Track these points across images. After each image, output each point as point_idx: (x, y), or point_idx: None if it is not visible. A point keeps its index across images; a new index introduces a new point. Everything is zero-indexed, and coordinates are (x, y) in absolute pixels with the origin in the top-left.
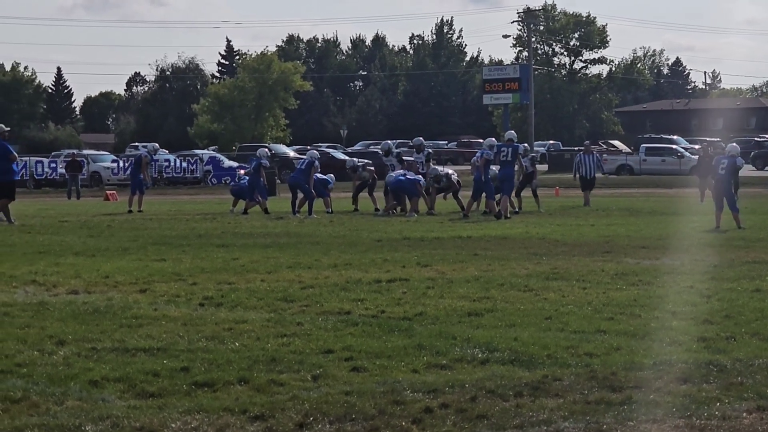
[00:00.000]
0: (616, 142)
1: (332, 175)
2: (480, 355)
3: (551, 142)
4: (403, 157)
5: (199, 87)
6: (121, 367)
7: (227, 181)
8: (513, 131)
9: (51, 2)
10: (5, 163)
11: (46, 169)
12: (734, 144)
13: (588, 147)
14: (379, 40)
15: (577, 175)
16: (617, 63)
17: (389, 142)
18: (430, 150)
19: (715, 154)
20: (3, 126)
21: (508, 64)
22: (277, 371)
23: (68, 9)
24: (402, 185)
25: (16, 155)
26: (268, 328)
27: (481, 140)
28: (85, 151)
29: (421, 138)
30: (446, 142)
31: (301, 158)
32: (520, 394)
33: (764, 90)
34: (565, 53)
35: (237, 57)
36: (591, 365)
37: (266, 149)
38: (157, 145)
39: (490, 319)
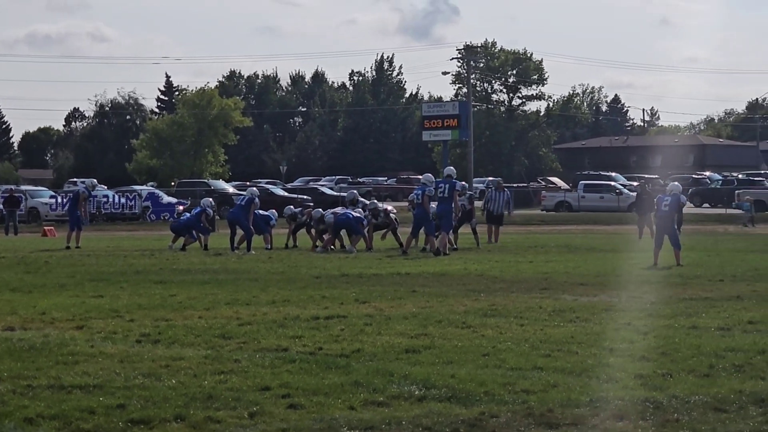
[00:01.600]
0: (555, 179)
1: (274, 211)
2: (417, 392)
3: (490, 178)
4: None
5: (138, 123)
6: (56, 404)
7: (166, 217)
8: (452, 168)
9: None
10: None
11: None
12: (676, 183)
13: (499, 184)
14: (318, 77)
15: (485, 211)
16: (556, 100)
17: (354, 191)
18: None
19: (654, 191)
20: None
21: (447, 101)
22: (214, 408)
23: (10, 44)
24: (346, 222)
25: None
26: (205, 365)
27: (420, 176)
28: (23, 187)
29: (354, 191)
30: (386, 178)
31: (241, 194)
32: (457, 431)
33: (702, 127)
34: (504, 90)
35: (176, 93)
36: (528, 402)
37: (210, 200)
38: (95, 181)
39: (428, 356)
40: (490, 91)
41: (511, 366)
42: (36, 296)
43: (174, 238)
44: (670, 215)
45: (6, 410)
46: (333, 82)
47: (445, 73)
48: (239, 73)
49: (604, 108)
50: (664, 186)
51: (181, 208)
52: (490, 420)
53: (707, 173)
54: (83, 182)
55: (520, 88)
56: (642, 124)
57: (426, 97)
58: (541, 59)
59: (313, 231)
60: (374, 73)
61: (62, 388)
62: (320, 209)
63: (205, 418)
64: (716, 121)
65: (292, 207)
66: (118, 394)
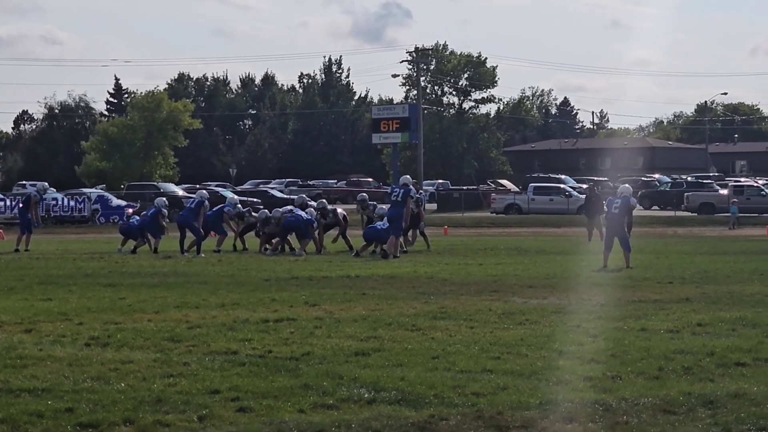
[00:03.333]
0: (505, 181)
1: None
2: (367, 395)
3: (440, 181)
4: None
5: (87, 125)
6: (4, 408)
7: (115, 220)
8: (408, 176)
9: None
10: None
11: None
12: (627, 185)
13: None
14: (268, 79)
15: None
16: (506, 102)
17: (304, 196)
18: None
19: (603, 194)
20: None
21: (397, 104)
22: (163, 412)
23: None
24: (295, 224)
25: None
26: (154, 369)
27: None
28: None
29: (304, 196)
30: (336, 180)
31: (191, 197)
32: None
33: (651, 130)
34: (454, 93)
35: (126, 95)
36: (478, 405)
37: (164, 199)
38: (46, 184)
39: (378, 359)
40: (440, 94)
41: (460, 369)
42: None
43: (123, 241)
44: (620, 218)
45: None
46: (283, 85)
47: (395, 76)
48: (188, 75)
49: (553, 111)
50: (614, 188)
51: (130, 210)
52: (440, 423)
53: (656, 176)
54: (34, 185)
55: (471, 91)
56: (591, 126)
57: (377, 100)
58: (496, 65)
59: (261, 233)
60: (323, 76)
61: (10, 392)
62: (266, 210)
63: (154, 422)
64: (665, 123)
65: (239, 207)
66: (66, 397)
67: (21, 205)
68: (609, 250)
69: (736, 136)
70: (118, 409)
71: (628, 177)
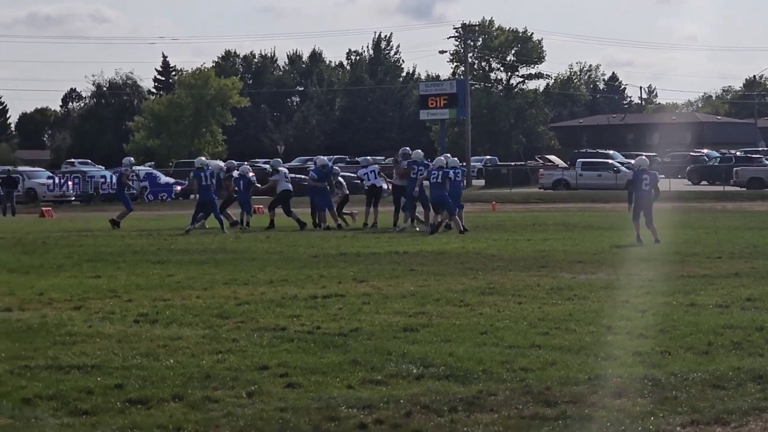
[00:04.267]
0: (553, 157)
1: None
2: (415, 371)
3: (488, 157)
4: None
5: (135, 103)
6: (54, 384)
7: (164, 198)
8: (441, 158)
9: None
10: None
11: None
12: (643, 157)
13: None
14: (316, 56)
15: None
16: (554, 78)
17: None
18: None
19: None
20: None
21: (444, 80)
22: (211, 388)
23: (9, 25)
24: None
25: None
26: (203, 345)
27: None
28: (21, 168)
29: (323, 158)
30: (383, 157)
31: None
32: (455, 409)
33: (700, 105)
34: (502, 69)
35: (173, 73)
36: (526, 380)
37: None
38: (132, 159)
39: (426, 335)
40: (488, 70)
41: (509, 344)
42: (33, 277)
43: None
44: (650, 193)
45: (4, 391)
46: (330, 62)
47: (442, 52)
48: (235, 52)
49: (601, 86)
50: (662, 163)
51: (179, 188)
52: (488, 398)
53: (705, 151)
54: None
55: (518, 67)
56: (640, 101)
57: (424, 76)
58: (541, 39)
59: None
60: (371, 52)
61: (60, 369)
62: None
63: (202, 398)
64: (714, 98)
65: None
66: (116, 374)
67: (117, 183)
68: (638, 220)
69: None
70: (167, 386)
71: (676, 152)
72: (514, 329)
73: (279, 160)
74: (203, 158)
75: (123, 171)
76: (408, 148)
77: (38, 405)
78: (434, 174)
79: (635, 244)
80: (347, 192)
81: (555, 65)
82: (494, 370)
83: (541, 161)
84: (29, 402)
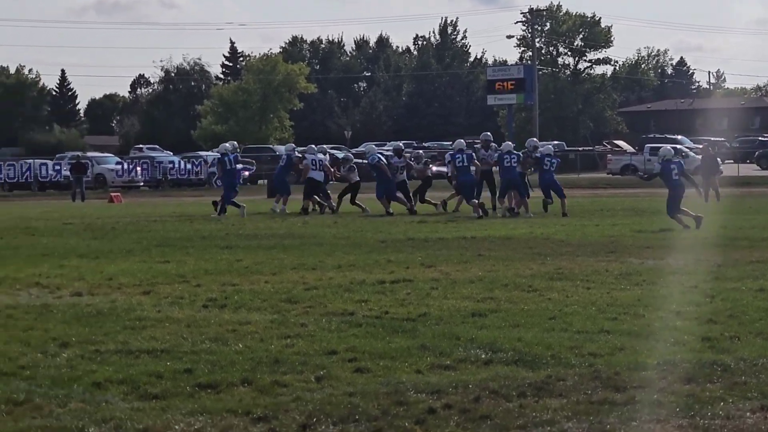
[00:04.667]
0: (621, 142)
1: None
2: (483, 356)
3: (555, 142)
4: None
5: (203, 89)
6: (124, 368)
7: None
8: (462, 141)
9: (60, 4)
10: None
11: (50, 172)
12: (667, 146)
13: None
14: (383, 41)
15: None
16: (621, 63)
17: (400, 143)
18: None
19: (718, 154)
20: None
21: (512, 65)
22: (280, 372)
23: (78, 11)
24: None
25: None
26: (271, 330)
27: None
28: (90, 154)
29: (400, 143)
30: (451, 142)
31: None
32: (523, 394)
33: None
34: (569, 53)
35: (241, 59)
36: (595, 365)
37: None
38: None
39: (494, 320)
40: (555, 55)
41: (577, 329)
42: (103, 262)
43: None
44: (680, 182)
45: (75, 375)
46: (397, 47)
47: (509, 37)
48: (302, 38)
49: (669, 71)
50: (730, 148)
51: (246, 173)
52: (557, 383)
53: None
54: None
55: (586, 52)
56: (708, 86)
57: (491, 61)
58: (611, 25)
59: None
60: (438, 38)
61: (130, 353)
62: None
63: (271, 382)
64: None
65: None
66: (185, 358)
67: (281, 169)
68: (677, 212)
69: None
70: (236, 370)
71: (744, 137)
72: (583, 314)
73: (312, 146)
74: (228, 144)
75: (294, 156)
76: (489, 134)
77: (109, 389)
78: (458, 158)
79: (706, 229)
80: (358, 179)
81: (623, 50)
82: (563, 355)
83: (609, 146)
84: (100, 386)
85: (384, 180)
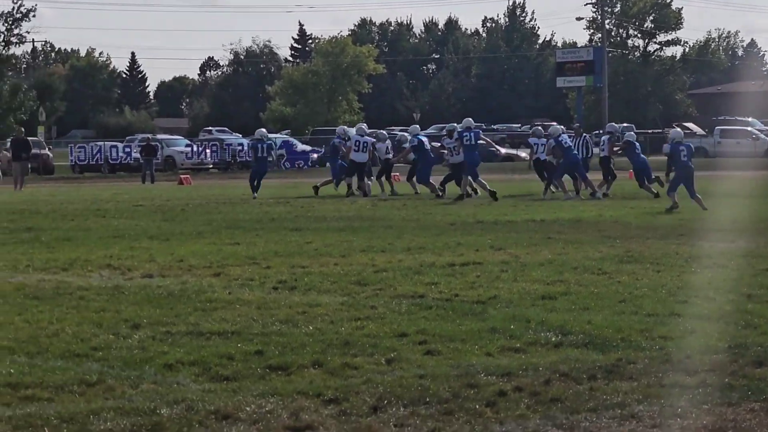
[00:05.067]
0: (690, 125)
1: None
2: (554, 339)
3: (624, 124)
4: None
5: (272, 71)
6: (195, 350)
7: (300, 165)
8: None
9: None
10: None
11: (120, 154)
12: (677, 129)
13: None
14: (451, 23)
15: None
16: (691, 45)
17: (455, 124)
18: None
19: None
20: None
21: (581, 47)
22: (351, 354)
23: None
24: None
25: None
26: (341, 312)
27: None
28: (159, 136)
29: (454, 124)
30: (520, 125)
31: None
32: (594, 377)
33: None
34: (639, 35)
35: (310, 41)
36: (666, 348)
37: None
38: (264, 131)
39: (564, 303)
40: (625, 37)
41: (648, 312)
42: (173, 244)
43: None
44: (689, 164)
45: (146, 356)
46: (466, 29)
47: (579, 19)
48: (371, 20)
49: (740, 53)
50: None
51: (315, 156)
52: (627, 366)
53: None
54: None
55: (656, 34)
56: None
57: (561, 44)
58: (681, 7)
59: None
60: (507, 20)
61: (201, 335)
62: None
63: (342, 365)
64: None
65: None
66: (256, 340)
67: (329, 153)
68: (674, 192)
69: None
70: (307, 352)
71: None
72: (653, 297)
73: (361, 126)
74: (264, 130)
75: (337, 142)
76: (454, 124)
77: (180, 370)
78: (467, 136)
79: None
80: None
81: (693, 32)
82: (633, 338)
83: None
84: (171, 367)
85: (425, 162)
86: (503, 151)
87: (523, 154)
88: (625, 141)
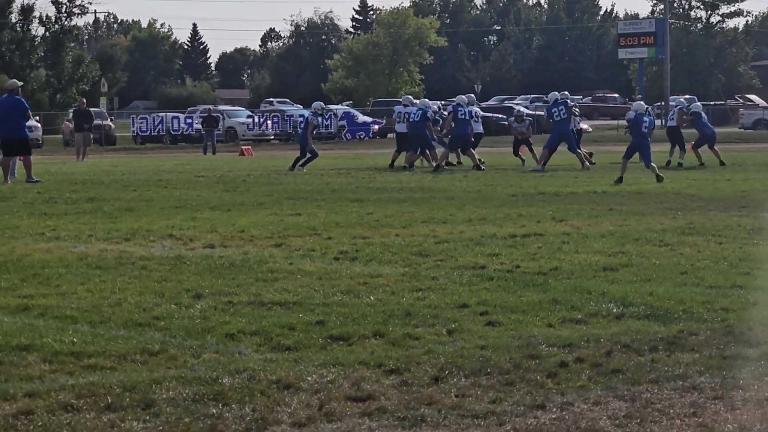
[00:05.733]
0: (753, 97)
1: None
2: (615, 310)
3: (686, 96)
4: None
5: (333, 42)
6: (257, 320)
7: (361, 136)
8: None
9: None
10: (20, 120)
11: (182, 125)
12: (640, 102)
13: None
14: None
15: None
16: (755, 16)
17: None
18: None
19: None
20: (16, 81)
21: (643, 18)
22: (412, 325)
23: None
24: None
25: (29, 112)
26: (403, 283)
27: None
28: (221, 107)
29: (472, 95)
30: (581, 96)
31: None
32: (655, 348)
33: None
34: (702, 7)
35: (371, 12)
36: (727, 320)
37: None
38: (321, 104)
39: (626, 274)
40: (687, 8)
41: (709, 284)
42: (235, 214)
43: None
44: (647, 136)
45: (208, 326)
46: (527, 1)
47: None
48: None
49: None
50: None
51: (376, 127)
52: (689, 338)
53: None
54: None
55: (718, 5)
56: None
57: (622, 15)
58: None
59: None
60: None
61: (262, 305)
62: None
63: (403, 335)
64: None
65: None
66: (317, 310)
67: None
68: (627, 160)
69: None
70: (368, 322)
71: None
72: (715, 269)
73: (408, 97)
74: (321, 103)
75: (428, 113)
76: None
77: (242, 340)
78: (461, 111)
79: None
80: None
81: (757, 2)
82: (695, 310)
83: (741, 101)
84: (233, 337)
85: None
86: (583, 126)
87: (585, 125)
88: (693, 112)
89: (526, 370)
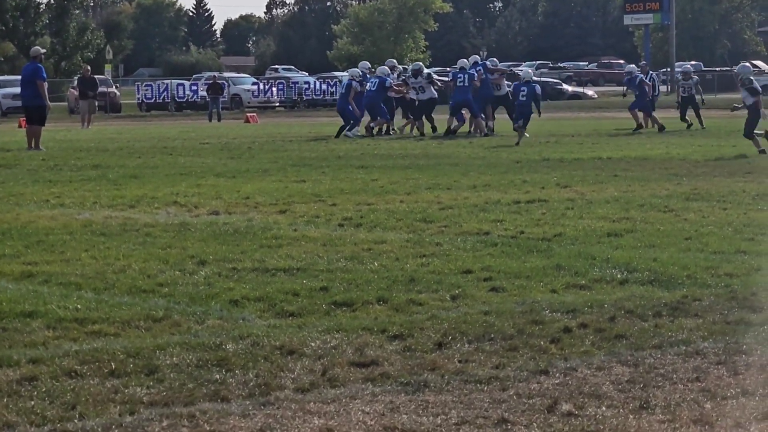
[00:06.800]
0: (759, 63)
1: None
2: (619, 276)
3: (692, 62)
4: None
5: (339, 9)
6: (261, 286)
7: None
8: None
9: None
10: (37, 88)
11: (187, 92)
12: (528, 70)
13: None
14: None
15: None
16: None
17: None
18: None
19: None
20: (39, 48)
21: None
22: (416, 291)
23: None
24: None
25: (46, 80)
26: (406, 249)
27: (622, 61)
28: (226, 74)
29: (420, 63)
30: (587, 63)
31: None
32: (659, 314)
33: None
34: None
35: None
36: (731, 286)
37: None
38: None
39: (630, 240)
40: None
41: (713, 250)
42: (240, 181)
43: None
44: (528, 104)
45: (212, 292)
46: None
47: None
48: None
49: None
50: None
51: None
52: (692, 303)
53: None
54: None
55: None
56: None
57: None
58: None
59: None
60: None
61: (266, 271)
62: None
63: (407, 301)
64: None
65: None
66: (321, 276)
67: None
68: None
69: None
70: (372, 288)
71: None
72: (719, 235)
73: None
74: (368, 63)
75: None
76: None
77: (246, 306)
78: (460, 77)
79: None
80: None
81: None
82: (699, 275)
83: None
84: (237, 303)
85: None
86: (570, 89)
87: (590, 92)
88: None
89: (530, 335)
